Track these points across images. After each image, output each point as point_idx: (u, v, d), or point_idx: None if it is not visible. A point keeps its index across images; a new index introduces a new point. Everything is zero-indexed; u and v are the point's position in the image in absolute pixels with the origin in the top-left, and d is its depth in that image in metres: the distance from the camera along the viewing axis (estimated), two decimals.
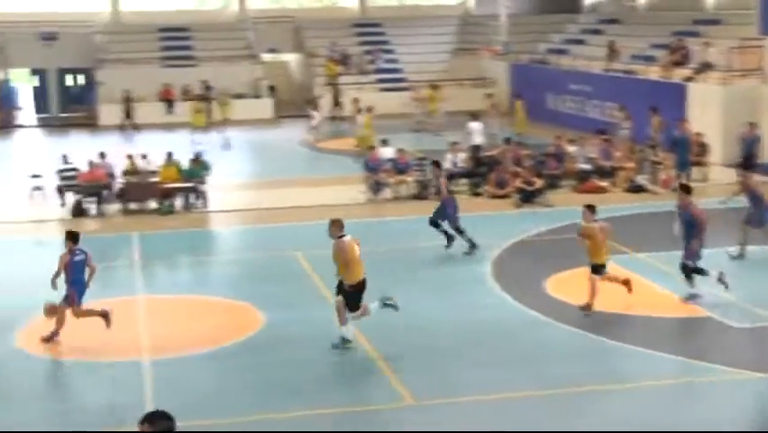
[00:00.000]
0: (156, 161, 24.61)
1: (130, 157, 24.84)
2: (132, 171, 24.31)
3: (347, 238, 13.66)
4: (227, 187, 25.69)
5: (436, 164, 20.23)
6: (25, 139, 39.96)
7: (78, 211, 23.16)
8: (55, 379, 12.97)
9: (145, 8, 48.94)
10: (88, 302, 14.40)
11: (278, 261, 18.64)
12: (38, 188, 24.47)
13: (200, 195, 23.83)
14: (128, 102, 39.68)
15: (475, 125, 28.61)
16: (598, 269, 15.00)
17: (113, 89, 41.48)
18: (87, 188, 23.47)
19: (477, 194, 24.59)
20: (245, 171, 30.18)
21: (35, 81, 46.65)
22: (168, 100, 41.72)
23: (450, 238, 18.84)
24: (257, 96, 42.49)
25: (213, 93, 40.01)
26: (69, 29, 44.97)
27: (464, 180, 25.15)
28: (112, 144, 29.09)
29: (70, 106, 45.04)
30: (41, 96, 46.24)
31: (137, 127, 38.71)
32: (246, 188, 26.47)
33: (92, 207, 23.41)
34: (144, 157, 24.99)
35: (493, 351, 13.78)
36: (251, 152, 34.45)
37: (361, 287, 13.62)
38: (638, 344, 13.75)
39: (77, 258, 14.32)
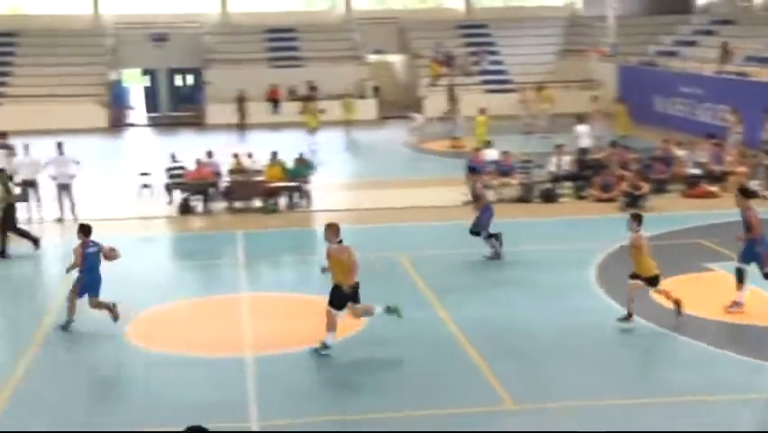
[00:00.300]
0: (261, 161, 24.94)
1: (236, 156, 25.22)
2: (237, 170, 24.68)
3: (343, 245, 13.69)
4: (330, 186, 25.89)
5: (472, 170, 19.93)
6: (136, 137, 40.99)
7: (185, 209, 23.62)
8: (159, 372, 13.21)
9: (253, 9, 49.71)
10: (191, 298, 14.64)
11: (379, 261, 18.65)
12: (146, 186, 25.02)
13: (304, 194, 24.06)
14: (242, 101, 40.37)
15: (582, 128, 28.26)
16: (652, 280, 14.56)
17: (220, 89, 42.27)
18: (194, 187, 23.91)
19: (581, 197, 24.25)
20: (348, 172, 30.37)
21: (146, 81, 47.82)
22: (274, 100, 42.29)
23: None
24: (361, 97, 42.71)
25: (318, 93, 40.43)
26: (179, 30, 45.97)
27: (568, 184, 24.83)
28: (219, 143, 29.56)
29: (179, 106, 46.06)
30: (151, 95, 47.38)
31: (248, 126, 39.35)
32: (348, 189, 26.63)
33: (198, 204, 23.84)
34: (250, 156, 25.34)
35: (596, 357, 13.54)
36: (354, 153, 34.64)
37: (357, 287, 13.73)
38: (747, 353, 13.34)
39: (90, 250, 14.91)
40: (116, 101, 44.69)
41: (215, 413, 11.79)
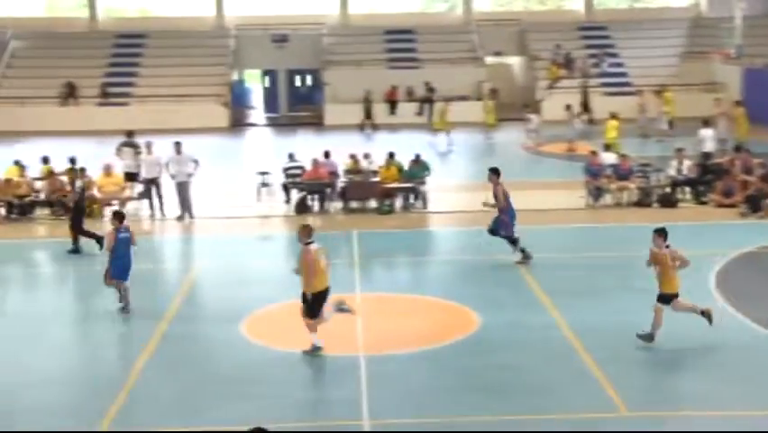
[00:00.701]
0: (378, 162, 25.10)
1: (352, 156, 25.44)
2: (354, 171, 24.90)
3: (313, 246, 13.61)
4: (446, 188, 25.88)
5: (494, 171, 19.25)
6: (255, 137, 41.75)
7: (302, 208, 23.94)
8: (274, 369, 13.41)
9: (372, 11, 50.07)
10: None
11: (494, 264, 18.57)
12: (265, 185, 25.44)
13: (419, 195, 24.11)
14: (368, 102, 40.74)
15: (706, 132, 27.57)
16: (666, 298, 13.86)
17: (339, 90, 42.73)
18: (311, 186, 24.21)
19: (702, 202, 23.66)
20: (464, 173, 30.30)
21: (266, 82, 48.67)
22: (392, 101, 42.49)
23: (515, 243, 18.45)
24: (479, 99, 42.56)
25: (435, 95, 40.46)
26: (299, 31, 46.63)
27: (688, 189, 24.26)
28: (336, 144, 29.88)
29: (298, 106, 46.72)
30: (270, 96, 48.19)
31: (376, 127, 39.68)
32: (464, 190, 26.56)
33: (315, 204, 24.14)
34: (367, 157, 25.52)
35: (714, 365, 13.21)
36: (471, 155, 34.54)
37: (322, 296, 13.64)
38: None
39: (122, 235, 15.84)
40: (237, 101, 45.61)
41: (329, 410, 11.94)
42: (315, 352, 13.69)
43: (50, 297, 18.08)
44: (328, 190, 24.19)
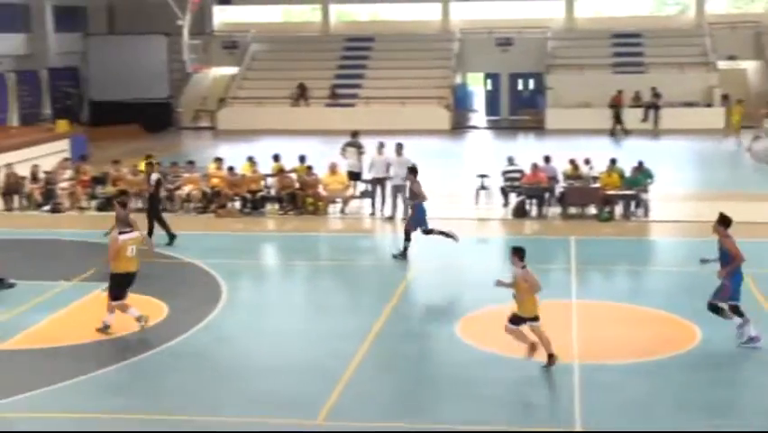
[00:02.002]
0: (598, 167, 24.66)
1: (572, 162, 25.12)
2: (573, 176, 24.58)
3: (130, 235, 14.96)
4: (670, 197, 25.11)
5: (411, 170, 20.27)
6: (476, 140, 41.96)
7: (520, 212, 23.86)
8: (487, 370, 13.45)
9: (598, 14, 49.23)
10: None
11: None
12: (483, 188, 25.54)
13: (641, 203, 23.52)
14: (616, 107, 40.19)
15: None
16: (517, 320, 13.19)
17: (561, 94, 42.30)
18: (530, 191, 24.09)
19: None
20: (689, 181, 29.30)
21: (488, 85, 48.79)
22: (616, 106, 41.57)
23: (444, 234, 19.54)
24: (708, 105, 41.00)
25: (661, 101, 39.35)
26: (524, 35, 46.47)
27: None
28: (557, 148, 29.58)
29: (519, 110, 46.58)
30: (492, 99, 48.28)
31: (627, 132, 39.10)
32: (689, 199, 25.69)
33: (533, 208, 24.00)
34: (587, 162, 25.14)
35: None
36: (697, 162, 33.35)
37: (125, 280, 14.90)
38: None
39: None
40: (459, 104, 45.97)
41: (540, 416, 11.87)
42: (142, 322, 14.91)
43: (275, 288, 18.92)
44: (547, 195, 24.01)
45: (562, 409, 12.05)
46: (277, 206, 24.80)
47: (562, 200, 23.85)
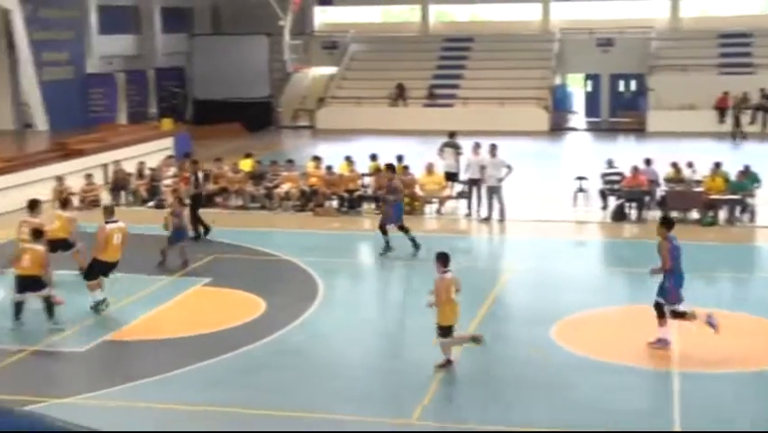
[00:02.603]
0: (702, 171, 24.15)
1: (674, 165, 24.65)
2: (675, 179, 24.12)
3: (116, 225, 15.86)
4: None
5: (389, 167, 20.72)
6: (575, 142, 41.48)
7: (619, 215, 23.51)
8: (582, 375, 13.31)
9: (704, 13, 48.17)
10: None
11: None
12: (582, 190, 25.25)
13: (747, 208, 22.94)
14: (738, 109, 39.38)
15: None
16: (444, 331, 12.83)
17: (664, 96, 41.50)
18: (629, 194, 23.72)
19: None
20: None
21: (588, 86, 48.18)
22: (721, 108, 40.60)
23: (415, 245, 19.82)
24: None
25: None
26: (625, 35, 45.75)
27: None
28: (658, 151, 29.05)
29: (620, 112, 45.86)
30: (592, 100, 47.64)
31: (745, 136, 38.32)
32: None
33: (633, 212, 23.62)
34: (690, 166, 24.64)
35: None
36: None
37: (105, 267, 15.86)
38: None
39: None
40: (558, 105, 45.50)
41: (637, 423, 11.68)
42: (99, 306, 15.74)
43: (370, 286, 19.04)
44: (647, 199, 23.60)
45: (659, 417, 11.83)
46: (373, 205, 24.95)
47: (664, 204, 23.41)
